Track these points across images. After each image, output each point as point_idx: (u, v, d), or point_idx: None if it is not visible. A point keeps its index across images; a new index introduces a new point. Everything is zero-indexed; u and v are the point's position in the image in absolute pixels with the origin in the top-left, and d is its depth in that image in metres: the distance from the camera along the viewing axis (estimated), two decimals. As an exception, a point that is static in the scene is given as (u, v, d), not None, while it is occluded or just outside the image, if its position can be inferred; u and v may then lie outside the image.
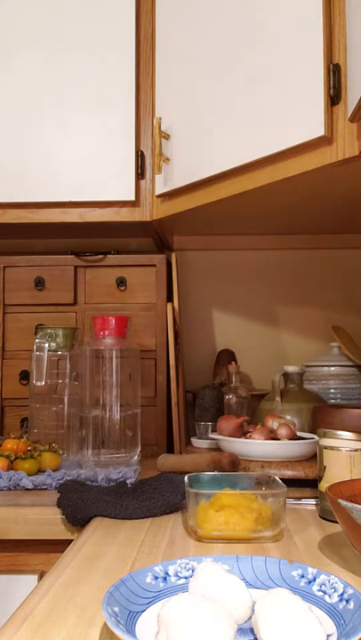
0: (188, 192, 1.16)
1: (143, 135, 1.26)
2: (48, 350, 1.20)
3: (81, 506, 0.84)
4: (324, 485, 0.80)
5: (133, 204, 1.25)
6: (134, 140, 1.25)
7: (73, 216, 1.27)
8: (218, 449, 1.11)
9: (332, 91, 0.89)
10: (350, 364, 1.31)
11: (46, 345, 1.20)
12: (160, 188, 1.21)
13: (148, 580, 0.55)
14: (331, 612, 0.51)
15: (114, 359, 1.16)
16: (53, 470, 1.06)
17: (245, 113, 1.03)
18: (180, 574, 0.57)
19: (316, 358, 1.36)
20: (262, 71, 1.00)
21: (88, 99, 1.26)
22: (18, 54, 1.27)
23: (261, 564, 0.58)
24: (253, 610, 0.48)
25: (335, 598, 0.52)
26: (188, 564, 0.58)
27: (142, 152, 1.26)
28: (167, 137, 1.18)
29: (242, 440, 1.01)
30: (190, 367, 1.52)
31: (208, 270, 1.58)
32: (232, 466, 0.96)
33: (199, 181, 1.12)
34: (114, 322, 1.18)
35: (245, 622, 0.50)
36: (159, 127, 1.16)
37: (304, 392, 1.23)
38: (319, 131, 0.89)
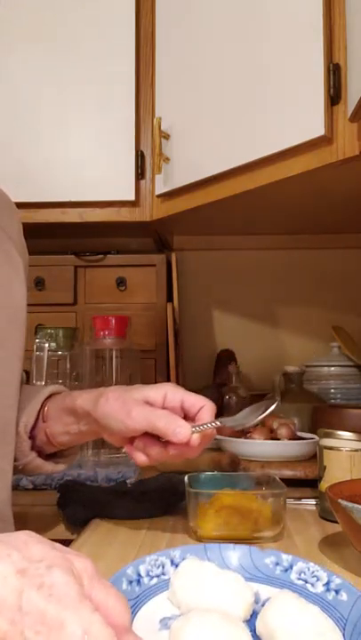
0: (188, 192, 1.16)
1: (143, 135, 1.26)
2: (48, 350, 1.20)
3: (81, 506, 0.83)
4: (324, 485, 0.80)
5: (133, 203, 1.25)
6: (134, 140, 1.25)
7: (73, 216, 1.27)
8: (218, 449, 1.11)
9: (332, 90, 0.89)
10: (350, 363, 1.31)
11: (46, 345, 1.19)
12: (160, 188, 1.21)
13: (125, 586, 0.50)
14: (320, 603, 0.49)
15: (114, 359, 1.15)
16: (53, 470, 1.06)
17: (245, 113, 1.03)
18: (151, 573, 0.53)
19: (316, 358, 1.36)
20: (262, 71, 1.00)
21: (88, 98, 1.25)
22: (17, 54, 1.27)
23: (233, 553, 0.56)
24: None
25: (320, 588, 0.50)
26: (157, 560, 0.54)
27: (142, 152, 1.26)
28: (167, 137, 1.18)
29: (242, 440, 1.01)
30: (190, 367, 1.52)
31: (208, 270, 1.57)
32: (232, 466, 0.96)
33: (199, 181, 1.12)
34: (114, 322, 1.18)
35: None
36: (159, 127, 1.15)
37: (304, 392, 1.23)
38: (319, 130, 0.89)
